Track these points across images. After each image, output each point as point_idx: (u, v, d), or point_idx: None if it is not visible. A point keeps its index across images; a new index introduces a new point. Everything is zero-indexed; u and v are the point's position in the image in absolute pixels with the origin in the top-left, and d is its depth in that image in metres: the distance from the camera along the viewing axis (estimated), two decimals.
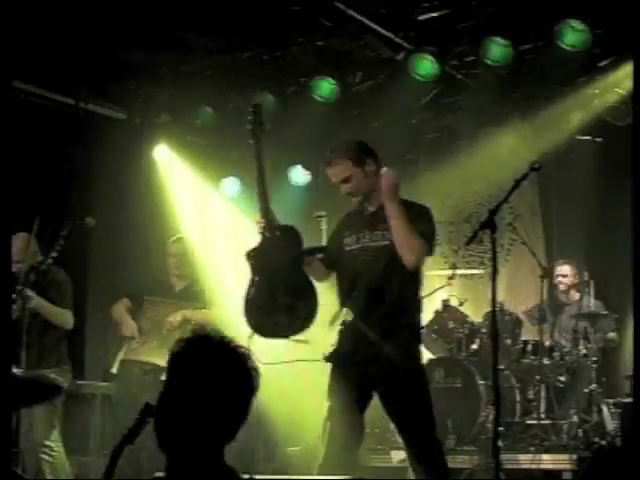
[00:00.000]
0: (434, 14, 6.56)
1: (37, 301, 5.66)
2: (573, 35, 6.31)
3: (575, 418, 6.81)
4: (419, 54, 6.84)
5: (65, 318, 5.90)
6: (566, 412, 6.92)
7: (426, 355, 6.40)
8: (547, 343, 7.21)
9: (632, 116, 5.99)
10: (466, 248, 8.03)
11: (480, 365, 7.01)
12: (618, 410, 6.76)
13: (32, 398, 5.44)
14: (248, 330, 4.35)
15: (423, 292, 4.54)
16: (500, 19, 6.51)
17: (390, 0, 6.53)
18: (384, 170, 4.40)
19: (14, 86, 6.48)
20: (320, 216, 5.85)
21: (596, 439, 6.60)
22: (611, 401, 6.92)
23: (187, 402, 2.19)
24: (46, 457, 5.71)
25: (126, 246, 8.01)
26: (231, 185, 8.70)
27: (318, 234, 5.55)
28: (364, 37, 6.81)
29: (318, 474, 4.22)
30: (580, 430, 6.71)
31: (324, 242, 5.01)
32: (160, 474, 2.28)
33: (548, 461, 6.40)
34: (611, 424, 6.76)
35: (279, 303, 4.40)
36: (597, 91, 7.31)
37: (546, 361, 7.06)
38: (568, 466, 6.29)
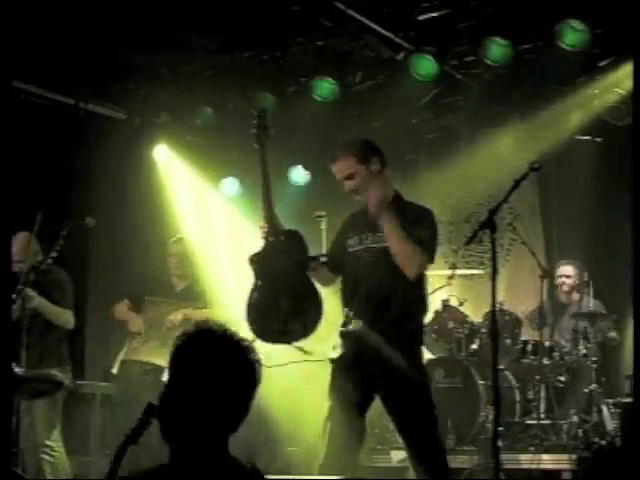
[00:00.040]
0: (434, 14, 6.56)
1: (38, 301, 5.66)
2: (573, 35, 6.32)
3: (575, 418, 6.81)
4: (419, 54, 6.85)
5: (66, 318, 5.91)
6: (566, 412, 6.92)
7: (426, 355, 6.38)
8: (547, 343, 7.21)
9: (632, 116, 5.99)
10: (466, 248, 8.02)
11: (480, 365, 7.01)
12: (618, 410, 6.77)
13: (35, 393, 5.48)
14: (250, 335, 4.32)
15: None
16: (500, 19, 6.51)
17: (390, 0, 6.54)
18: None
19: (14, 86, 6.48)
20: (320, 216, 5.84)
21: (596, 439, 6.60)
22: (611, 401, 6.92)
23: (191, 394, 2.22)
24: (47, 457, 5.71)
25: (126, 246, 8.01)
26: (230, 185, 8.70)
27: (318, 234, 5.55)
28: (364, 37, 6.81)
29: (319, 474, 4.22)
30: (580, 430, 6.71)
31: (324, 242, 5.00)
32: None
33: (548, 461, 6.40)
34: (611, 424, 6.76)
35: (282, 308, 4.38)
36: (597, 91, 7.31)
37: (546, 361, 7.06)
38: (568, 466, 6.29)
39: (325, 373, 4.44)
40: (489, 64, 6.68)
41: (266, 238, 4.48)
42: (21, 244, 5.82)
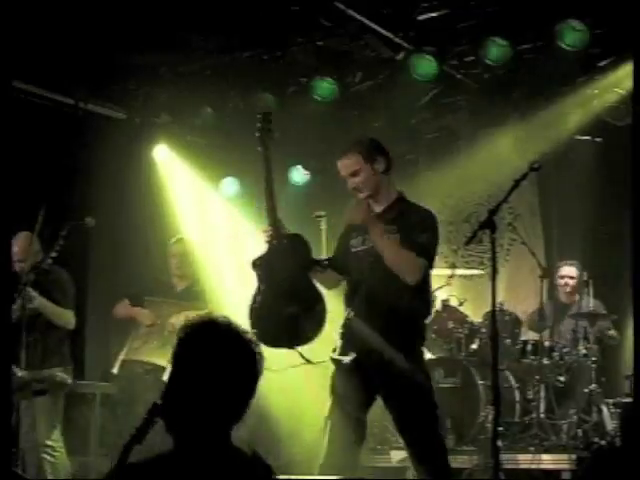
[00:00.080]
0: (434, 14, 6.57)
1: (40, 301, 5.66)
2: (573, 35, 6.32)
3: (575, 418, 6.81)
4: (419, 54, 6.85)
5: (67, 318, 5.91)
6: (566, 412, 6.92)
7: (426, 355, 6.38)
8: (547, 343, 7.20)
9: (632, 116, 6.00)
10: (465, 248, 8.02)
11: (480, 365, 7.01)
12: (618, 410, 6.77)
13: (36, 392, 5.49)
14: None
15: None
16: (499, 19, 6.51)
17: (390, 0, 6.54)
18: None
19: (14, 86, 6.48)
20: (320, 216, 5.83)
21: (595, 439, 6.60)
22: (611, 401, 6.93)
23: (195, 384, 2.25)
24: (48, 457, 5.72)
25: (126, 246, 8.02)
26: (229, 185, 8.70)
27: (318, 234, 5.54)
28: (364, 37, 6.82)
29: (319, 474, 4.22)
30: (580, 430, 6.71)
31: (324, 242, 5.00)
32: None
33: (547, 461, 6.40)
34: (610, 424, 6.77)
35: (286, 313, 4.36)
36: (597, 91, 7.31)
37: (546, 361, 7.06)
38: (567, 466, 6.30)
39: (326, 372, 4.44)
40: (489, 64, 6.69)
41: (270, 242, 4.47)
42: (22, 244, 5.82)
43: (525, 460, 6.43)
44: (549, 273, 7.45)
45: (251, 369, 2.31)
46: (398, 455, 6.51)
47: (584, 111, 7.54)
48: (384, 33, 6.71)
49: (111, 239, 7.91)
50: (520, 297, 8.05)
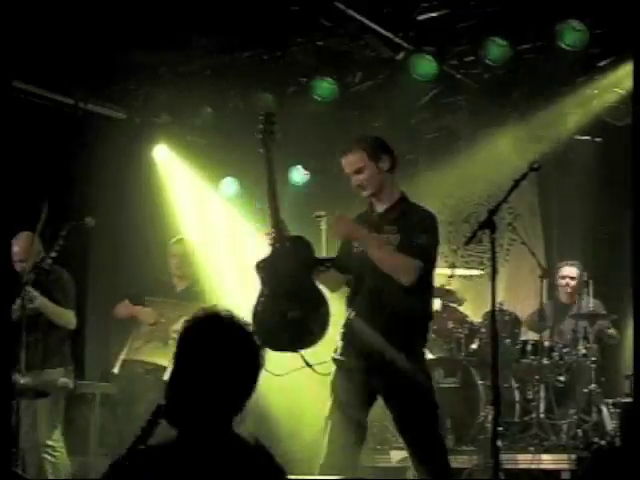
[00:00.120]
0: (434, 14, 6.57)
1: (40, 301, 5.66)
2: (572, 35, 6.32)
3: (574, 418, 6.81)
4: (419, 54, 6.85)
5: (68, 318, 5.91)
6: (565, 412, 6.92)
7: (426, 355, 6.39)
8: (546, 343, 7.21)
9: (632, 116, 6.00)
10: (465, 248, 8.01)
11: (479, 365, 7.01)
12: (617, 410, 6.77)
13: (36, 393, 5.49)
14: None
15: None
16: (499, 19, 6.51)
17: (390, 0, 6.54)
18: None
19: (14, 86, 6.48)
20: (320, 216, 5.82)
21: (595, 439, 6.61)
22: (610, 401, 6.93)
23: (197, 374, 2.27)
24: (48, 457, 5.72)
25: (126, 246, 8.02)
26: (229, 185, 8.69)
27: (318, 234, 5.54)
28: (364, 37, 6.82)
29: (319, 473, 4.22)
30: (579, 430, 6.72)
31: (324, 242, 5.00)
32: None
33: (547, 461, 6.41)
34: (610, 424, 6.77)
35: (289, 316, 4.34)
36: (596, 91, 7.31)
37: (545, 361, 7.06)
38: (567, 466, 6.30)
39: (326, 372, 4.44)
40: (489, 64, 6.69)
41: (272, 244, 4.46)
42: (24, 244, 5.82)
43: (525, 460, 6.43)
44: (549, 273, 7.46)
45: (253, 359, 2.35)
46: (398, 455, 6.51)
47: (584, 111, 7.54)
48: (384, 33, 6.71)
49: (111, 239, 7.91)
50: (520, 297, 8.05)
